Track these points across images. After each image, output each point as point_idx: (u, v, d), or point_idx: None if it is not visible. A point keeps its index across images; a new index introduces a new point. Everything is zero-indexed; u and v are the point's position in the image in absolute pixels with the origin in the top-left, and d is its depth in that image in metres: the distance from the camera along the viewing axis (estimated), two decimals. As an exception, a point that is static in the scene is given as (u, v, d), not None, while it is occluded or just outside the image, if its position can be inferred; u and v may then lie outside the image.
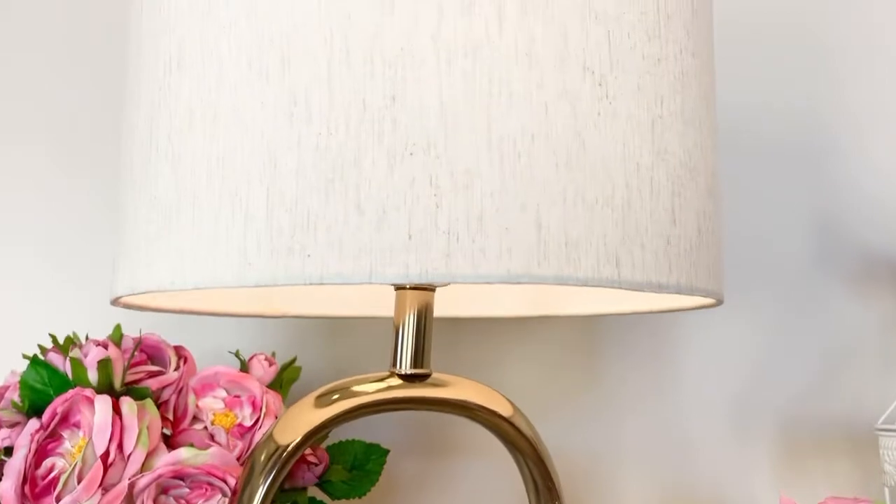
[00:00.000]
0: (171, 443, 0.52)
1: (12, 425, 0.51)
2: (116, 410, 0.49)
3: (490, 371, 0.68)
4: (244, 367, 0.57)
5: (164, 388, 0.54)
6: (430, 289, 0.48)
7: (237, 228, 0.37)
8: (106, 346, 0.52)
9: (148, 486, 0.48)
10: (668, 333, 0.71)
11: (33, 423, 0.50)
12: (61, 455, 0.49)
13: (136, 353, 0.54)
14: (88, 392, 0.50)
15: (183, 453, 0.49)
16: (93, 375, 0.51)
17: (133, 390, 0.52)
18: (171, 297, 0.53)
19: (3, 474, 0.49)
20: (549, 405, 0.69)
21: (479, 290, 0.61)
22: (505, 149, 0.36)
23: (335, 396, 0.47)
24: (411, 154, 0.36)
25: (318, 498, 0.55)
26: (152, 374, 0.54)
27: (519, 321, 0.69)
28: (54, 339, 0.55)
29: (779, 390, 0.70)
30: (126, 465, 0.48)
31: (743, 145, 0.71)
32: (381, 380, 0.47)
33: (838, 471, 0.69)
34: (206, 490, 0.49)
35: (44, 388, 0.52)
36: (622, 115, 0.39)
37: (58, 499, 0.47)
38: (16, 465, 0.48)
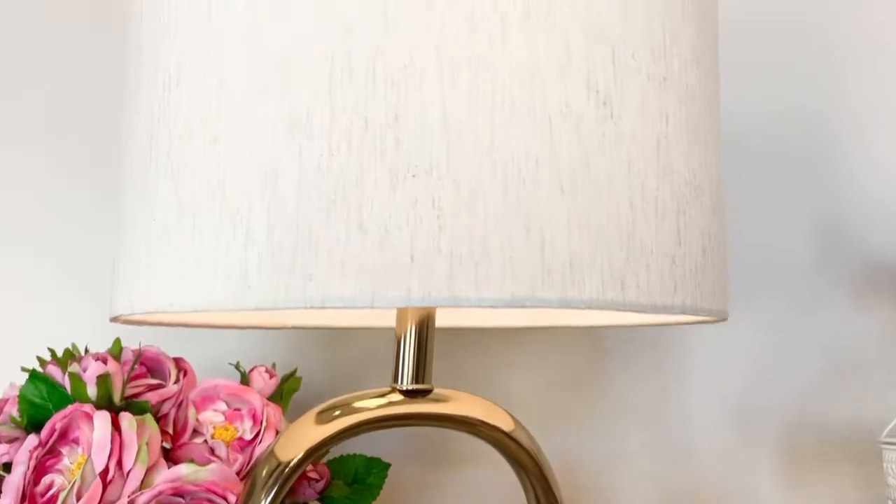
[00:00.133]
0: (171, 457, 0.52)
1: (11, 440, 0.51)
2: (116, 426, 0.49)
3: (492, 381, 0.68)
4: (244, 380, 0.57)
5: (163, 401, 0.54)
6: (431, 303, 0.48)
7: (237, 250, 0.37)
8: (105, 361, 0.52)
9: (147, 503, 0.48)
10: (670, 342, 0.70)
11: (32, 439, 0.49)
12: (60, 472, 0.48)
13: (135, 366, 0.53)
14: (87, 408, 0.49)
15: (182, 469, 0.49)
16: (92, 390, 0.51)
17: (133, 404, 0.52)
18: (171, 313, 0.53)
19: (1, 491, 0.48)
20: (552, 415, 0.69)
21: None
22: (509, 170, 0.36)
23: (336, 413, 0.46)
24: (413, 175, 0.35)
25: (319, 512, 0.55)
26: (152, 388, 0.54)
27: (521, 331, 0.69)
28: (53, 352, 0.54)
29: (781, 398, 0.70)
30: (125, 481, 0.48)
31: (745, 150, 0.70)
32: (382, 395, 0.47)
33: (841, 479, 0.69)
34: (206, 507, 0.49)
35: (42, 402, 0.51)
36: (627, 135, 0.38)
37: (57, 516, 0.47)
38: (14, 481, 0.48)
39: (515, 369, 0.69)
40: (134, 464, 0.48)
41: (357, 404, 0.47)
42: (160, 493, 0.48)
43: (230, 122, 0.38)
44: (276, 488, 0.45)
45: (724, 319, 0.46)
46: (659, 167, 0.39)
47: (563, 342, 0.69)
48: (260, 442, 0.53)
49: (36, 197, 0.68)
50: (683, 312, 0.39)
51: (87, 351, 0.55)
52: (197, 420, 0.54)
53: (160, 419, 0.53)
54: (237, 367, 0.58)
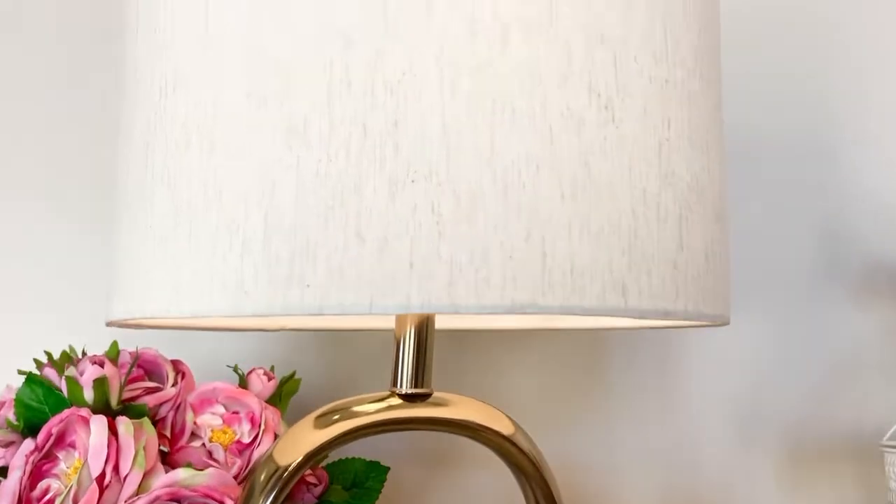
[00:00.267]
0: (168, 460, 0.52)
1: (7, 445, 0.50)
2: (112, 430, 0.48)
3: (493, 383, 0.67)
4: (243, 382, 0.57)
5: (161, 404, 0.53)
6: (431, 307, 0.48)
7: (234, 257, 0.36)
8: (102, 364, 0.51)
9: (145, 508, 0.47)
10: (672, 345, 0.70)
11: (28, 444, 0.49)
12: (57, 476, 0.48)
13: (132, 369, 0.53)
14: (84, 412, 0.49)
15: (180, 474, 0.49)
16: (89, 394, 0.50)
17: (130, 407, 0.52)
18: (168, 318, 0.52)
19: (-3, 496, 0.48)
20: (553, 418, 0.68)
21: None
22: (509, 175, 0.36)
23: (335, 417, 0.46)
24: (413, 182, 0.35)
25: (318, 516, 0.55)
26: (150, 391, 0.53)
27: (522, 333, 0.68)
28: (49, 355, 0.54)
29: (783, 400, 0.70)
30: (122, 486, 0.47)
31: (745, 154, 0.70)
32: (382, 400, 0.47)
33: (843, 482, 0.69)
34: (204, 512, 0.49)
35: (39, 406, 0.51)
36: (629, 140, 0.38)
37: (53, 522, 0.46)
38: (11, 486, 0.47)
39: (516, 372, 0.68)
40: (131, 468, 0.47)
41: (356, 408, 0.46)
42: (157, 497, 0.47)
43: (227, 130, 0.37)
44: (274, 493, 0.45)
45: (726, 324, 0.45)
46: (661, 171, 0.39)
47: (565, 345, 0.69)
48: (258, 445, 0.53)
49: (34, 199, 0.68)
50: (685, 318, 0.39)
51: (84, 354, 0.54)
52: (195, 423, 0.53)
53: (158, 422, 0.53)
54: (235, 369, 0.58)
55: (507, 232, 0.35)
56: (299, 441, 0.46)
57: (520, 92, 0.36)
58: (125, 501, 0.47)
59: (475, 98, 0.36)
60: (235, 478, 0.51)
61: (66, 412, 0.49)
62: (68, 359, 0.54)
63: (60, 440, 0.49)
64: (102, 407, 0.50)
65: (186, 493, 0.48)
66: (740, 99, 0.68)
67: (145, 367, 0.55)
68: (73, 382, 0.51)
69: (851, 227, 0.71)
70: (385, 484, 0.56)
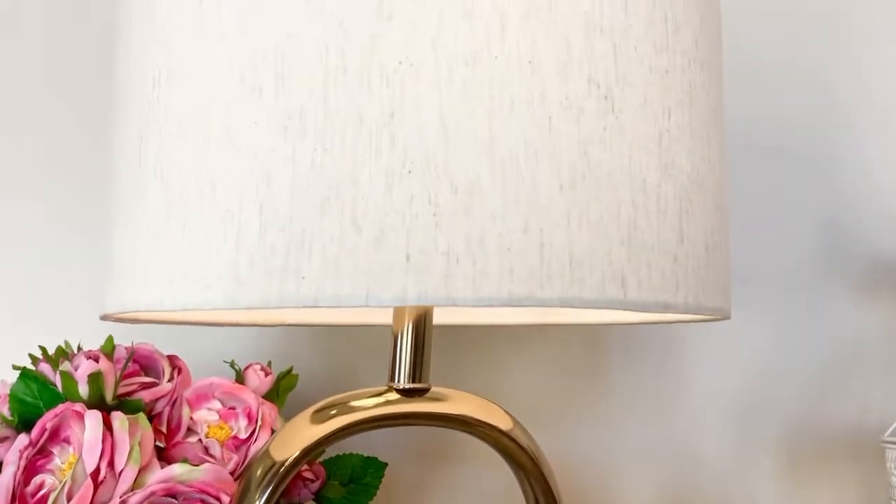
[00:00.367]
0: (164, 456, 0.51)
1: (2, 440, 0.50)
2: (107, 426, 0.48)
3: (492, 379, 0.67)
4: (240, 378, 0.56)
5: (157, 399, 0.53)
6: (429, 301, 0.47)
7: (228, 249, 0.36)
8: (97, 359, 0.51)
9: (140, 504, 0.47)
10: (672, 340, 0.70)
11: (22, 439, 0.49)
12: (51, 472, 0.48)
13: (128, 364, 0.53)
14: (78, 407, 0.48)
15: (175, 470, 0.48)
16: (83, 389, 0.50)
17: (125, 403, 0.51)
18: (162, 312, 0.52)
19: (-9, 491, 0.48)
20: (552, 413, 0.68)
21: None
22: (507, 165, 0.35)
23: (332, 412, 0.46)
24: (410, 172, 0.34)
25: (315, 512, 0.55)
26: (145, 386, 0.53)
27: (521, 329, 0.68)
28: (44, 350, 0.53)
29: (784, 397, 0.69)
30: (117, 482, 0.47)
31: (746, 148, 0.70)
32: (379, 394, 0.46)
33: (843, 479, 0.69)
34: (200, 508, 0.48)
35: (34, 401, 0.51)
36: (628, 130, 0.37)
37: (47, 518, 0.46)
38: (5, 481, 0.47)
39: (515, 368, 0.68)
40: (126, 464, 0.47)
41: (353, 403, 0.46)
42: (152, 493, 0.47)
43: (221, 120, 0.37)
44: (270, 488, 0.44)
45: (727, 318, 0.45)
46: (661, 162, 0.38)
47: (564, 341, 0.69)
48: (255, 441, 0.52)
49: (29, 195, 0.67)
50: (686, 311, 0.39)
51: (79, 349, 0.54)
52: (191, 419, 0.53)
53: (154, 418, 0.52)
54: (232, 365, 0.57)
55: (504, 223, 0.35)
56: (296, 436, 0.45)
57: (518, 81, 0.36)
58: (120, 497, 0.47)
59: (472, 87, 0.35)
60: (232, 474, 0.51)
61: (60, 407, 0.48)
62: (63, 354, 0.53)
63: (55, 435, 0.48)
64: (97, 402, 0.50)
65: (182, 488, 0.48)
66: (741, 92, 0.68)
67: (141, 363, 0.55)
68: (67, 377, 0.50)
69: (853, 222, 0.71)
70: (383, 480, 0.56)
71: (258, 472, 0.45)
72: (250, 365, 0.57)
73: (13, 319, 0.66)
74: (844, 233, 0.71)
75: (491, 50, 0.35)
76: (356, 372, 0.67)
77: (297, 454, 0.45)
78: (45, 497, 0.47)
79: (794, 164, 0.71)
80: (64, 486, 0.46)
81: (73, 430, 0.48)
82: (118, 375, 0.51)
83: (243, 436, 0.53)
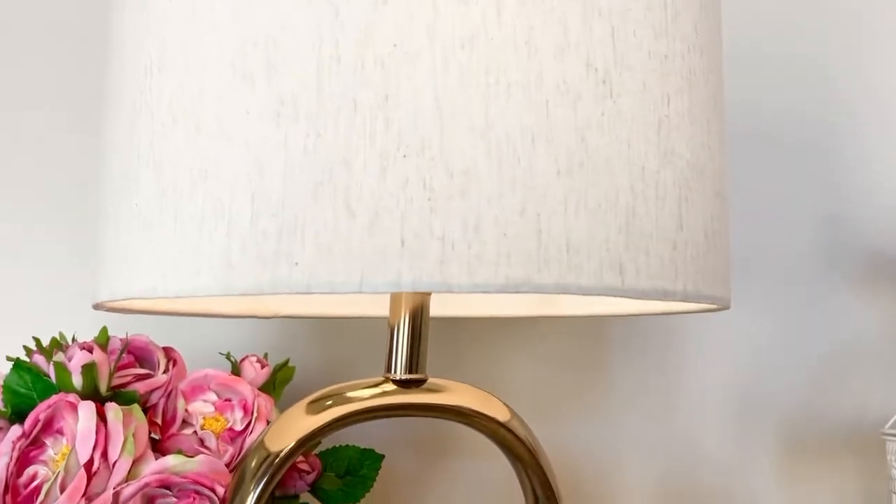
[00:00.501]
0: (159, 448, 0.51)
1: (-6, 431, 0.50)
2: (101, 417, 0.48)
3: (490, 371, 0.67)
4: (235, 370, 0.56)
5: (152, 391, 0.53)
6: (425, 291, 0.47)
7: (221, 234, 0.35)
8: (91, 350, 0.50)
9: (133, 495, 0.46)
10: (671, 333, 0.69)
11: (15, 430, 0.48)
12: (44, 463, 0.47)
13: (123, 355, 0.52)
14: (72, 398, 0.48)
15: (170, 461, 0.48)
16: (77, 380, 0.50)
17: (120, 394, 0.51)
18: (159, 301, 0.52)
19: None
20: (550, 406, 0.68)
21: (477, 290, 0.59)
22: (503, 149, 0.35)
23: (328, 403, 0.45)
24: (404, 156, 0.34)
25: (311, 505, 0.54)
26: (140, 377, 0.53)
27: (520, 320, 0.68)
28: (38, 342, 0.53)
29: (783, 390, 0.69)
30: (111, 473, 0.47)
31: (746, 141, 0.69)
32: (376, 385, 0.46)
33: (843, 472, 0.68)
34: (194, 499, 0.48)
35: (27, 392, 0.50)
36: (627, 115, 0.37)
37: (40, 509, 0.46)
38: (-3, 473, 0.46)
39: (513, 361, 0.68)
40: (120, 455, 0.47)
41: (349, 394, 0.46)
42: (146, 484, 0.47)
43: (214, 107, 0.36)
44: (265, 479, 0.44)
45: (727, 307, 0.44)
46: (660, 149, 0.38)
47: (562, 334, 0.68)
48: (251, 433, 0.52)
49: (23, 189, 0.67)
50: (685, 299, 0.38)
51: (73, 340, 0.54)
52: (186, 411, 0.53)
53: (148, 410, 0.52)
54: (228, 356, 0.57)
55: (501, 207, 0.34)
56: (291, 427, 0.45)
57: (515, 64, 0.35)
58: (114, 488, 0.46)
59: (468, 70, 0.35)
60: (227, 465, 0.50)
61: (53, 398, 0.48)
62: (58, 345, 0.53)
63: (48, 426, 0.48)
64: (91, 393, 0.50)
65: (177, 479, 0.47)
66: (740, 83, 0.67)
67: (136, 354, 0.54)
68: (61, 368, 0.50)
69: (853, 216, 0.71)
70: (380, 473, 0.55)
71: (253, 464, 0.45)
72: (246, 357, 0.57)
73: (7, 312, 0.66)
74: (845, 227, 0.70)
75: (487, 33, 0.35)
76: (353, 365, 0.66)
77: (292, 445, 0.44)
78: (38, 488, 0.46)
79: (794, 157, 0.71)
80: (57, 476, 0.46)
81: (66, 421, 0.48)
82: (112, 366, 0.51)
83: (239, 428, 0.52)
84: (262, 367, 0.57)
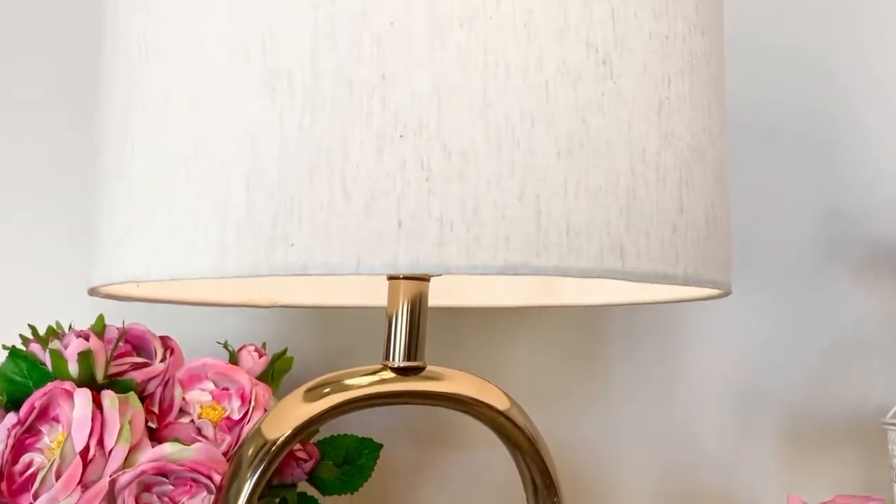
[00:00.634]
0: (156, 436, 0.51)
1: (-10, 419, 0.49)
2: (97, 404, 0.47)
3: (490, 362, 0.66)
4: (233, 359, 0.56)
5: (149, 380, 0.52)
6: (424, 278, 0.46)
7: (216, 216, 0.35)
8: (87, 338, 0.50)
9: (129, 483, 0.46)
10: (672, 323, 0.69)
11: (11, 418, 0.48)
12: (40, 451, 0.47)
13: (119, 343, 0.52)
14: (68, 385, 0.48)
15: (166, 449, 0.47)
16: (73, 368, 0.49)
17: (116, 383, 0.51)
18: (155, 287, 0.51)
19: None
20: (550, 396, 0.67)
21: (476, 279, 0.59)
22: (502, 130, 0.34)
23: (326, 390, 0.45)
24: (401, 136, 0.33)
25: (309, 494, 0.54)
26: (137, 366, 0.52)
27: (520, 310, 0.67)
28: (34, 330, 0.53)
29: (784, 382, 0.69)
30: (107, 461, 0.46)
31: (747, 133, 0.69)
32: (374, 373, 0.46)
33: (844, 463, 0.68)
34: (191, 487, 0.48)
35: (23, 380, 0.50)
36: (628, 97, 0.36)
37: (35, 496, 0.45)
38: (-8, 460, 0.46)
39: (513, 350, 0.67)
40: (116, 442, 0.46)
41: (347, 381, 0.45)
42: (143, 472, 0.46)
43: (208, 86, 0.36)
44: (262, 467, 0.44)
45: (728, 293, 0.44)
46: (661, 131, 0.37)
47: (563, 324, 0.68)
48: (248, 422, 0.52)
49: (19, 178, 0.67)
50: (685, 283, 0.38)
51: (70, 329, 0.53)
52: (183, 399, 0.52)
53: (146, 398, 0.51)
54: (225, 346, 0.57)
55: (500, 189, 0.34)
56: (288, 414, 0.44)
57: (514, 45, 0.35)
58: (110, 476, 0.46)
59: (467, 50, 0.34)
60: (225, 454, 0.50)
61: (49, 385, 0.48)
62: (54, 334, 0.53)
63: (43, 414, 0.48)
64: (88, 381, 0.49)
65: (173, 467, 0.47)
66: (741, 75, 0.67)
67: (133, 343, 0.54)
68: (57, 355, 0.50)
69: (854, 207, 0.70)
70: (378, 462, 0.55)
71: (250, 451, 0.44)
72: (244, 346, 0.56)
73: (4, 302, 0.65)
74: (845, 218, 0.70)
75: (486, 12, 0.34)
76: (352, 355, 0.66)
77: (289, 433, 0.44)
78: (34, 475, 0.46)
79: (794, 150, 0.70)
80: (52, 464, 0.45)
81: (62, 409, 0.47)
82: (109, 355, 0.51)
83: (236, 416, 0.52)
84: (260, 356, 0.56)
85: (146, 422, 0.50)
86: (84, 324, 0.54)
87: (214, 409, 0.52)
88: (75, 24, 0.67)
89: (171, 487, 0.48)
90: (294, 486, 0.53)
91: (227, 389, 0.53)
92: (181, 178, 0.36)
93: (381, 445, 0.55)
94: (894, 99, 0.71)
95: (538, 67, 0.35)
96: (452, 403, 0.47)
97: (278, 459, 0.44)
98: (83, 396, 0.47)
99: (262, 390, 0.54)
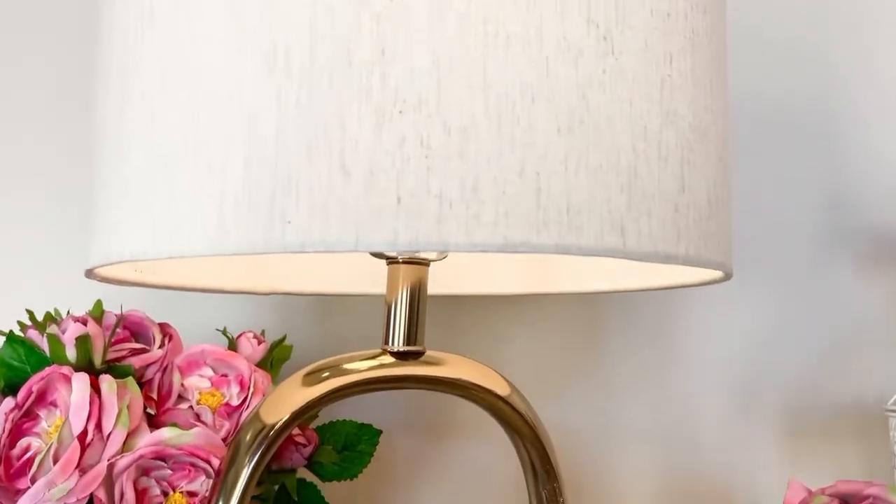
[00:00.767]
0: (155, 422, 0.50)
1: (-13, 404, 0.49)
2: (95, 389, 0.47)
3: (489, 350, 0.66)
4: (232, 346, 0.55)
5: (147, 366, 0.52)
6: (423, 263, 0.46)
7: (213, 194, 0.35)
8: (85, 323, 0.50)
9: (128, 467, 0.46)
10: (672, 311, 0.69)
11: (8, 402, 0.48)
12: (38, 435, 0.47)
13: (118, 329, 0.52)
14: (65, 369, 0.47)
15: (165, 433, 0.47)
16: (71, 352, 0.49)
17: (115, 368, 0.50)
18: (154, 272, 0.51)
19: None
20: (550, 384, 0.67)
21: (476, 266, 0.59)
22: (502, 106, 0.34)
23: (325, 374, 0.45)
24: (401, 112, 0.33)
25: (308, 480, 0.54)
26: (135, 352, 0.52)
27: (519, 299, 0.67)
28: (31, 315, 0.52)
29: (785, 370, 0.69)
30: (105, 445, 0.46)
31: (750, 121, 0.69)
32: (373, 357, 0.45)
33: (845, 451, 0.68)
34: (190, 471, 0.47)
35: (21, 365, 0.50)
36: (629, 74, 0.36)
37: (33, 480, 0.45)
38: (-10, 445, 0.46)
39: (513, 338, 0.67)
40: (114, 427, 0.46)
41: (346, 366, 0.45)
42: (141, 456, 0.46)
43: (205, 62, 0.36)
44: (260, 451, 0.43)
45: (729, 276, 0.44)
46: (662, 109, 0.37)
47: (561, 314, 0.68)
48: (247, 408, 0.51)
49: (17, 165, 0.66)
50: (687, 263, 0.37)
51: (68, 314, 0.53)
52: (182, 386, 0.52)
53: (144, 384, 0.51)
54: (224, 332, 0.56)
55: (500, 166, 0.33)
56: (286, 399, 0.44)
57: (515, 19, 0.34)
58: (108, 460, 0.46)
59: (467, 25, 0.34)
60: (224, 441, 0.50)
61: (47, 370, 0.48)
62: (52, 319, 0.53)
63: (41, 398, 0.47)
64: (86, 366, 0.49)
65: (172, 451, 0.47)
66: (743, 61, 0.66)
67: (131, 329, 0.54)
68: (54, 340, 0.49)
69: (856, 195, 0.70)
70: (378, 450, 0.55)
71: (247, 436, 0.44)
72: (243, 333, 0.56)
73: (2, 290, 0.65)
74: (847, 207, 0.70)
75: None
76: (351, 344, 0.65)
77: (287, 417, 0.44)
78: (31, 460, 0.46)
79: (795, 141, 0.70)
80: (50, 448, 0.45)
81: (59, 393, 0.47)
82: (107, 340, 0.50)
83: (235, 403, 0.52)
84: (259, 343, 0.56)
85: (144, 408, 0.50)
86: (82, 311, 0.53)
87: (213, 396, 0.52)
88: (75, 24, 0.66)
89: (169, 472, 0.47)
90: (293, 471, 0.53)
91: (225, 376, 0.53)
92: (179, 157, 0.36)
93: (381, 431, 0.55)
94: (895, 91, 0.70)
95: (539, 43, 0.34)
96: (452, 388, 0.46)
97: (277, 444, 0.44)
98: (81, 380, 0.47)
99: (261, 377, 0.53)
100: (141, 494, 0.47)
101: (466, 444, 0.66)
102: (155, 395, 0.51)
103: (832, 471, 0.67)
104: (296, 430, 0.52)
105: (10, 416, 0.46)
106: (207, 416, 0.51)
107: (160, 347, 0.53)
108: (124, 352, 0.52)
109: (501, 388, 0.47)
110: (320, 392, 0.44)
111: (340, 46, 0.34)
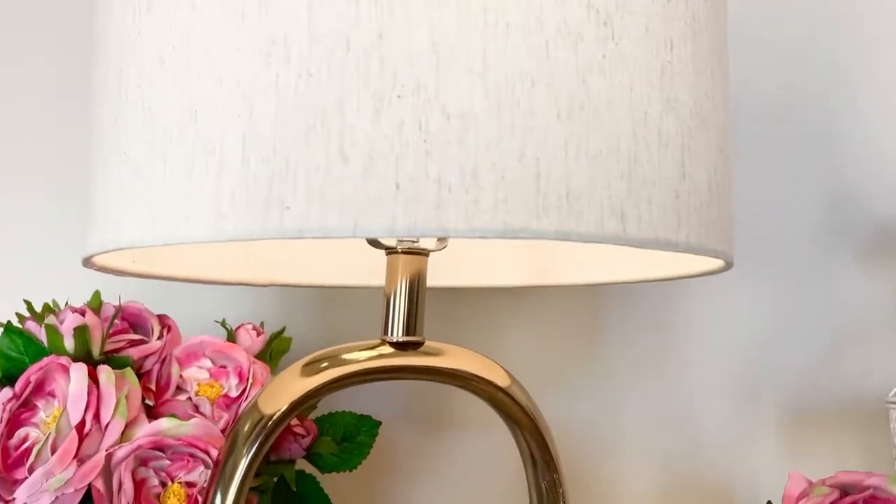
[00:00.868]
0: (153, 414, 0.50)
1: (-15, 395, 0.49)
2: (94, 379, 0.47)
3: (489, 342, 0.66)
4: (231, 337, 0.55)
5: (146, 357, 0.52)
6: (422, 253, 0.46)
7: (210, 180, 0.35)
8: (83, 313, 0.50)
9: (126, 457, 0.46)
10: (672, 304, 0.69)
11: (6, 392, 0.47)
12: (35, 425, 0.47)
13: (116, 320, 0.52)
14: (63, 360, 0.47)
15: (163, 424, 0.47)
16: (69, 343, 0.49)
17: (113, 359, 0.50)
18: (153, 262, 0.51)
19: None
20: (550, 377, 0.67)
21: (475, 257, 0.58)
22: (502, 91, 0.34)
23: (323, 364, 0.45)
24: (399, 97, 0.33)
25: (307, 471, 0.53)
26: (134, 343, 0.52)
27: (519, 290, 0.67)
28: (30, 305, 0.52)
29: (785, 363, 0.69)
30: (103, 435, 0.46)
31: (751, 119, 0.69)
32: (372, 348, 0.45)
33: (845, 445, 0.68)
34: (188, 462, 0.47)
35: (19, 356, 0.49)
36: (629, 59, 0.36)
37: (31, 470, 0.45)
38: (-13, 435, 0.46)
39: (512, 330, 0.67)
40: (112, 417, 0.46)
41: (345, 356, 0.45)
42: (139, 447, 0.46)
43: (202, 47, 0.35)
44: (258, 442, 0.43)
45: (730, 266, 0.44)
46: (663, 95, 0.37)
47: (561, 306, 0.68)
48: (246, 399, 0.51)
49: (15, 158, 0.66)
50: (688, 250, 0.37)
51: (66, 305, 0.53)
52: (181, 377, 0.52)
53: (143, 376, 0.51)
54: (223, 324, 0.56)
55: (499, 151, 0.33)
56: (285, 389, 0.44)
57: (514, 4, 0.34)
58: (106, 450, 0.45)
59: (466, 9, 0.34)
60: (222, 432, 0.50)
61: (45, 360, 0.47)
62: (50, 310, 0.52)
63: (39, 388, 0.47)
64: (84, 357, 0.49)
65: (170, 442, 0.47)
66: (745, 55, 0.66)
67: (130, 321, 0.54)
68: (52, 330, 0.49)
69: (858, 187, 0.70)
70: (377, 444, 0.55)
71: (246, 427, 0.44)
72: (242, 325, 0.56)
73: (1, 281, 0.65)
74: (848, 205, 0.70)
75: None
76: (350, 336, 0.65)
77: (285, 407, 0.44)
78: (29, 450, 0.45)
79: (797, 137, 0.70)
80: (48, 438, 0.45)
81: (57, 384, 0.47)
82: (105, 331, 0.50)
83: (234, 394, 0.52)
84: (258, 335, 0.56)
85: (143, 399, 0.49)
86: (80, 301, 0.53)
87: (212, 387, 0.52)
88: (75, 24, 0.66)
89: (168, 462, 0.47)
90: (292, 462, 0.52)
91: (224, 367, 0.53)
92: (175, 143, 0.36)
93: (380, 423, 0.55)
94: (895, 88, 0.70)
95: (538, 27, 0.34)
96: (451, 379, 0.46)
97: (275, 434, 0.44)
98: (79, 371, 0.47)
99: (260, 368, 0.53)
100: (139, 485, 0.47)
101: (466, 436, 0.66)
102: (153, 387, 0.51)
103: (832, 463, 0.67)
104: (294, 421, 0.52)
105: (8, 407, 0.46)
106: (206, 408, 0.51)
107: (159, 339, 0.53)
108: (123, 343, 0.52)
109: (501, 379, 0.47)
110: (319, 382, 0.44)
111: (339, 31, 0.34)
